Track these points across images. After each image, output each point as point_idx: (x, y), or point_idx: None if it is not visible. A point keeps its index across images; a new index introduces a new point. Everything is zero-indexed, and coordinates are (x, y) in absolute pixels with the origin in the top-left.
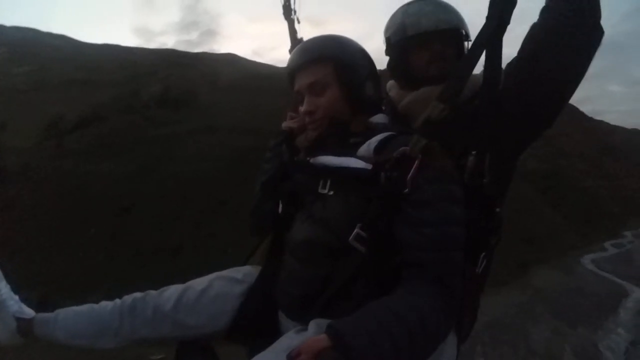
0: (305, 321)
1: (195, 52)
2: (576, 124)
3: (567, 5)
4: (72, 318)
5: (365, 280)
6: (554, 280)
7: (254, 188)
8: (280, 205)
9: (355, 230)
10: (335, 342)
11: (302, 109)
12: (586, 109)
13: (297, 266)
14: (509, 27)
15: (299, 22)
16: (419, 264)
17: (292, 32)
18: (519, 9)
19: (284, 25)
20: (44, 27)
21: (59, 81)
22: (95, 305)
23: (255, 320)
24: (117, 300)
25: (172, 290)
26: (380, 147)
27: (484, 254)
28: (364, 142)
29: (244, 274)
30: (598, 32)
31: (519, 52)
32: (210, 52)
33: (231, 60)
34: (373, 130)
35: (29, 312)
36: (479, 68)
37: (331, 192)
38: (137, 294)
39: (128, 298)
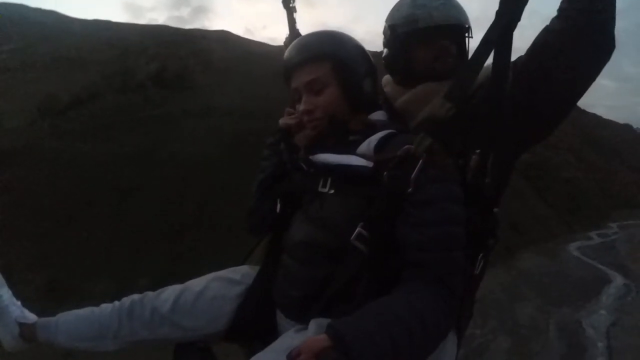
0: (305, 321)
1: (187, 29)
2: None
3: (583, 15)
4: (73, 321)
5: (366, 281)
6: (539, 263)
7: (252, 186)
8: (279, 205)
9: (357, 229)
10: (335, 342)
11: (300, 107)
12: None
13: (295, 267)
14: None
15: (295, 11)
16: (420, 264)
17: (291, 21)
18: (530, 4)
19: (277, 3)
20: (33, 2)
21: (47, 59)
22: (95, 308)
23: (254, 321)
24: (116, 303)
25: (170, 292)
26: (380, 146)
27: (482, 254)
28: (363, 140)
29: (242, 274)
30: (611, 44)
31: (528, 56)
32: (202, 29)
33: (224, 37)
34: (372, 128)
35: (31, 317)
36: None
37: (332, 191)
38: (135, 296)
39: (126, 300)
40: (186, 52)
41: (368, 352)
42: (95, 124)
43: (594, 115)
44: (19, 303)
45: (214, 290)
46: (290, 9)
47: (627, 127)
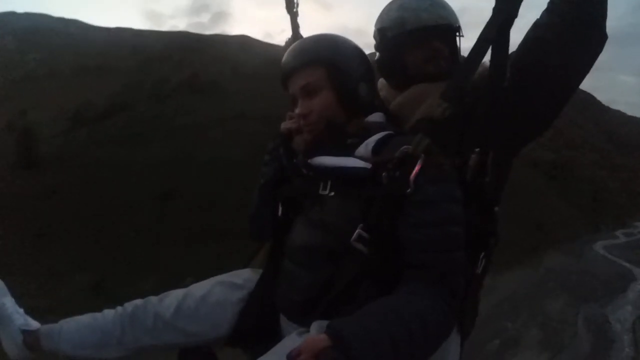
0: (307, 324)
1: (208, 35)
2: (589, 114)
3: (572, 8)
4: (76, 329)
5: (367, 282)
6: (565, 262)
7: (253, 192)
8: (280, 209)
9: (356, 231)
10: (335, 342)
11: (296, 111)
12: (598, 97)
13: (297, 271)
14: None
15: (298, 16)
16: (420, 265)
17: (295, 26)
18: (526, 1)
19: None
20: (55, 12)
21: (73, 67)
22: (97, 315)
23: (256, 325)
24: (119, 309)
25: (172, 297)
26: (377, 147)
27: (483, 254)
28: (361, 143)
29: (244, 279)
30: (602, 37)
31: (520, 52)
32: (223, 34)
33: (244, 42)
34: (369, 131)
35: (34, 324)
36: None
37: (332, 194)
38: (138, 301)
39: (129, 306)
40: (209, 58)
41: (368, 352)
42: (131, 131)
43: (617, 111)
44: (22, 311)
45: (217, 295)
46: (293, 14)
47: None
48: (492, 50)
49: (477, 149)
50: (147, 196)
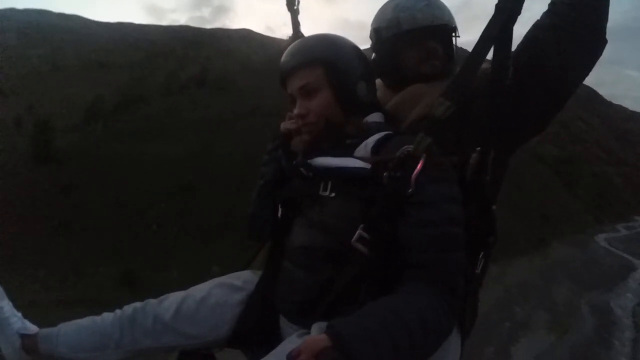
0: (308, 325)
1: (210, 28)
2: (593, 108)
3: (573, 11)
4: (74, 332)
5: (368, 283)
6: (570, 253)
7: (253, 193)
8: (280, 211)
9: (357, 232)
10: (335, 342)
11: (294, 112)
12: (603, 92)
13: (296, 272)
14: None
15: (298, 13)
16: (420, 265)
17: (295, 23)
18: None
19: None
20: (55, 7)
21: (76, 63)
22: (96, 318)
23: (256, 326)
24: (118, 311)
25: (172, 300)
26: (377, 147)
27: (482, 253)
28: (360, 143)
29: (244, 280)
30: (602, 41)
31: (519, 52)
32: (224, 27)
33: (247, 36)
34: (368, 131)
35: (32, 328)
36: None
37: (332, 194)
38: (137, 304)
39: (128, 308)
40: (214, 52)
41: (368, 352)
42: (147, 125)
43: (621, 107)
44: (20, 314)
45: (216, 296)
46: (294, 11)
47: None
48: (494, 48)
49: (477, 148)
50: (166, 189)
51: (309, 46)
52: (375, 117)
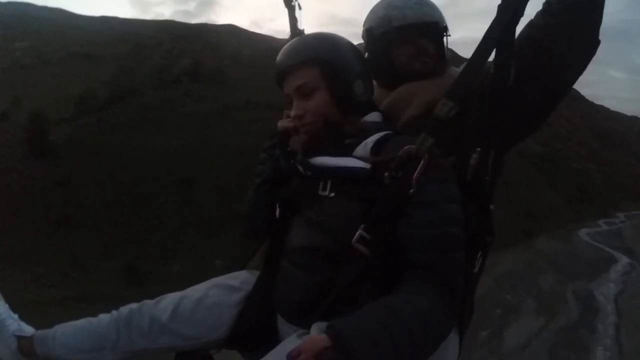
0: (307, 325)
1: (196, 23)
2: (575, 107)
3: (568, 12)
4: (70, 333)
5: (368, 283)
6: (554, 246)
7: (249, 191)
8: (278, 210)
9: (358, 232)
10: (335, 342)
11: (291, 112)
12: (586, 92)
13: (295, 272)
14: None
15: (300, 8)
16: (420, 265)
17: (293, 20)
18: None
19: None
20: (38, 0)
21: (61, 55)
22: (92, 319)
23: (254, 327)
24: (114, 312)
25: (168, 300)
26: (376, 147)
27: (480, 252)
28: (359, 143)
29: (241, 280)
30: (595, 42)
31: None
32: (210, 22)
33: (234, 31)
34: (367, 131)
35: (28, 329)
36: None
37: (332, 194)
38: (134, 305)
39: (124, 309)
40: (200, 46)
41: (368, 352)
42: (140, 118)
43: (603, 107)
44: (16, 316)
45: (213, 297)
46: (291, 7)
47: (634, 120)
48: (496, 49)
49: (478, 149)
50: (165, 183)
51: (305, 45)
52: (373, 117)
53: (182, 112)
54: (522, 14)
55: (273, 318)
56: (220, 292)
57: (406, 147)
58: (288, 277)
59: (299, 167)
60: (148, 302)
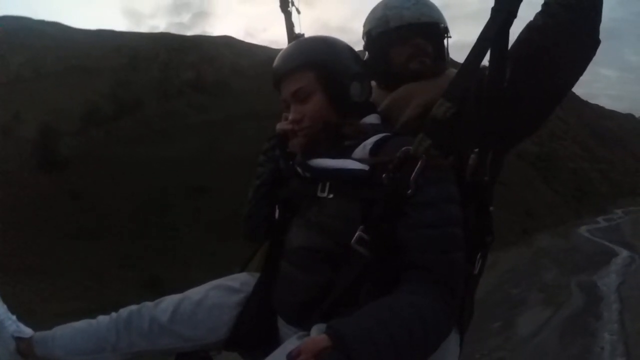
0: (307, 327)
1: (191, 35)
2: (570, 107)
3: (567, 13)
4: (70, 335)
5: (368, 284)
6: (554, 242)
7: (249, 192)
8: (277, 211)
9: (357, 233)
10: (335, 342)
11: (290, 116)
12: (580, 92)
13: (295, 273)
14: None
15: (299, 13)
16: (420, 266)
17: (289, 26)
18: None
19: (275, 4)
20: (34, 14)
21: (59, 68)
22: (92, 321)
23: (254, 329)
24: (114, 314)
25: (168, 302)
26: (375, 149)
27: (480, 253)
28: (358, 145)
29: (241, 282)
30: (595, 42)
31: (512, 53)
32: (205, 34)
33: (229, 43)
34: (366, 133)
35: (27, 331)
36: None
37: (330, 195)
38: (133, 307)
39: (124, 311)
40: (196, 58)
41: (368, 352)
42: (147, 129)
43: (597, 106)
44: (14, 317)
45: (213, 299)
46: (288, 13)
47: (629, 117)
48: (491, 50)
49: (476, 149)
50: (178, 192)
51: (300, 50)
52: (372, 119)
53: (187, 122)
54: (515, 15)
55: (273, 319)
56: (220, 294)
57: (404, 148)
58: (288, 278)
59: (298, 168)
60: (148, 304)
